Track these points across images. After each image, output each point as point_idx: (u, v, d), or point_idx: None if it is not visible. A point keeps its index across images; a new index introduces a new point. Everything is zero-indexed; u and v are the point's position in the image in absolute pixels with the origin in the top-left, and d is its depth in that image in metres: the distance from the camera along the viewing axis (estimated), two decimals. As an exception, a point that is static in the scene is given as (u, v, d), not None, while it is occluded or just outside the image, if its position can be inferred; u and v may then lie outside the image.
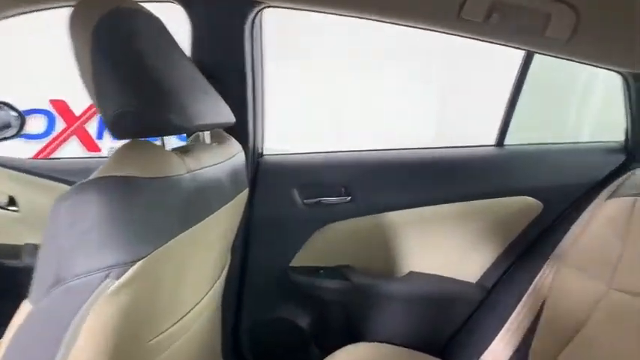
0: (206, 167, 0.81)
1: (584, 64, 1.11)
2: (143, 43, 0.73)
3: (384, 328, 1.31)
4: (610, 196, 1.10)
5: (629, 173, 1.10)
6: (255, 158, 1.28)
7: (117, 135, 0.68)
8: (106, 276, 0.60)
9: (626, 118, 1.20)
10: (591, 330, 0.99)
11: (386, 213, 1.29)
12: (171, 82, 0.74)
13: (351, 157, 1.32)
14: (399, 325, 1.31)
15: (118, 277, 0.60)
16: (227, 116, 0.93)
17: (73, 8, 0.69)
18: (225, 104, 0.94)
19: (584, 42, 1.02)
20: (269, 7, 1.15)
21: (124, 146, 0.70)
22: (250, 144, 1.24)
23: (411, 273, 1.32)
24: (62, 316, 0.61)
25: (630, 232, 1.00)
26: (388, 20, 1.05)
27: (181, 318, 0.83)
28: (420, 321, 1.31)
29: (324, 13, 1.10)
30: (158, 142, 0.81)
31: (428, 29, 1.06)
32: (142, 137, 0.72)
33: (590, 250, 1.08)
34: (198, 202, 0.77)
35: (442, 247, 1.31)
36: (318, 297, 1.31)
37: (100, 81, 0.66)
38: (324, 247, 1.31)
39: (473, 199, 1.27)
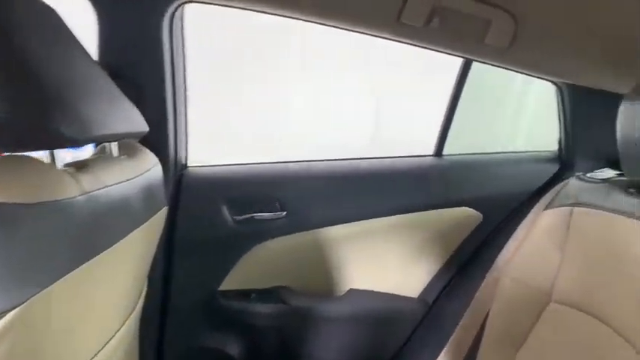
0: (109, 186, 0.67)
1: (522, 73, 1.09)
2: (27, 37, 0.59)
3: (324, 352, 1.22)
4: (547, 207, 1.09)
5: (564, 182, 1.10)
6: (177, 171, 1.13)
7: None
8: None
9: (560, 128, 1.22)
10: (535, 342, 0.97)
11: (324, 228, 1.20)
12: (62, 85, 0.60)
13: (286, 168, 1.22)
14: (339, 347, 1.23)
15: None
16: (138, 125, 0.79)
17: None
18: (137, 111, 0.80)
19: (522, 51, 1.00)
20: (190, 1, 1.01)
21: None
22: (171, 155, 1.10)
23: (351, 290, 1.24)
24: None
25: (568, 242, 0.99)
26: (325, 22, 0.97)
27: None
28: (361, 341, 1.24)
29: (253, 10, 0.99)
30: (45, 158, 0.66)
31: (367, 33, 0.99)
32: (21, 151, 0.58)
33: (531, 261, 1.06)
34: (97, 229, 0.64)
35: (383, 262, 1.25)
36: (250, 323, 1.19)
37: None
38: (257, 267, 1.20)
39: (412, 211, 1.22)
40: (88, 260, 0.61)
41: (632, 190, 0.92)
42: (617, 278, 0.85)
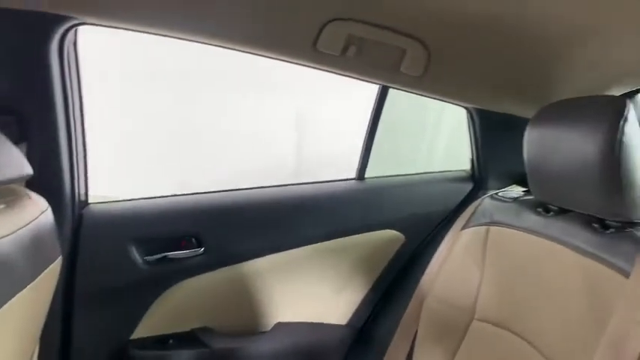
0: None
1: (436, 99, 1.12)
2: None
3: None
4: (465, 226, 1.13)
5: (478, 201, 1.15)
6: (75, 210, 1.00)
7: None
8: None
9: (472, 149, 1.27)
10: None
11: (246, 262, 1.14)
12: None
13: (200, 200, 1.13)
14: (268, 386, 1.16)
15: None
16: (18, 168, 0.68)
17: None
18: (17, 152, 0.68)
19: (435, 79, 1.03)
20: (83, 24, 0.90)
21: None
22: (66, 192, 0.97)
23: (279, 324, 1.19)
24: None
25: (485, 260, 1.03)
26: (239, 49, 0.91)
27: None
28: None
29: (158, 35, 0.91)
30: None
31: (282, 60, 0.95)
32: None
33: (453, 280, 1.08)
34: None
35: (309, 291, 1.21)
36: (169, 372, 1.09)
37: None
38: (174, 310, 1.10)
39: (337, 237, 1.20)
40: None
41: (539, 209, 0.98)
42: (531, 296, 0.89)
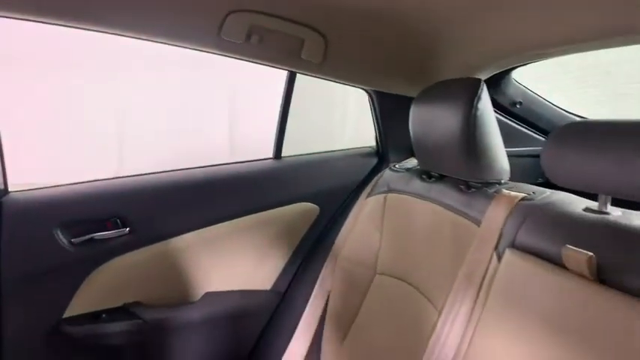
0: None
1: (338, 82, 1.25)
2: None
3: (186, 358, 1.25)
4: (368, 195, 1.27)
5: (381, 173, 1.30)
6: (-5, 200, 1.04)
7: None
8: None
9: (375, 127, 1.41)
10: (366, 312, 1.14)
11: (173, 238, 1.22)
12: None
13: (123, 183, 1.19)
14: (201, 350, 1.26)
15: None
16: None
17: None
18: None
19: (334, 64, 1.15)
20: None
21: None
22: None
23: (207, 294, 1.29)
24: None
25: (384, 222, 1.18)
26: (143, 38, 0.97)
27: None
28: (221, 340, 1.29)
29: (55, 25, 0.94)
30: None
31: (188, 48, 1.03)
32: None
33: (359, 243, 1.23)
34: None
35: (235, 262, 1.31)
36: (103, 344, 1.16)
37: None
38: (104, 288, 1.17)
39: (258, 211, 1.31)
40: None
41: (424, 176, 1.14)
42: (417, 249, 1.05)
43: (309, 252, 1.37)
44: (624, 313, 0.60)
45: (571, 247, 0.67)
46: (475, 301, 0.82)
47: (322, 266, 1.29)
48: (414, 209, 1.10)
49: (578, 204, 0.79)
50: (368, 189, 1.29)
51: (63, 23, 0.91)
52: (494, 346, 0.74)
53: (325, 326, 1.22)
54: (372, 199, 1.25)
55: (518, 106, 1.37)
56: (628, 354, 0.58)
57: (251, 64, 1.12)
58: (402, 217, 1.13)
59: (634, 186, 0.64)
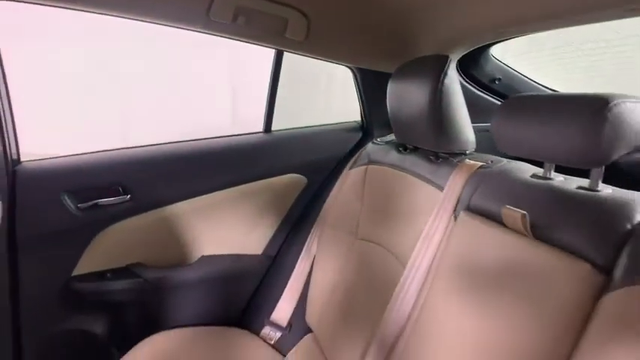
0: None
1: (322, 60, 1.32)
2: None
3: (183, 314, 1.37)
4: (351, 167, 1.36)
5: (364, 147, 1.38)
6: (9, 167, 1.15)
7: None
8: None
9: (359, 102, 1.49)
10: (346, 274, 1.24)
11: (170, 205, 1.33)
12: None
13: (124, 154, 1.29)
14: (196, 308, 1.39)
15: None
16: None
17: None
18: None
19: (317, 43, 1.22)
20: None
21: None
22: (-1, 153, 1.11)
23: (202, 257, 1.40)
24: None
25: (364, 192, 1.27)
26: (134, 18, 1.06)
27: None
28: (216, 299, 1.41)
29: (52, 6, 1.02)
30: None
31: (179, 28, 1.11)
32: None
33: (342, 211, 1.33)
34: None
35: (228, 228, 1.42)
36: (108, 300, 1.29)
37: None
38: (109, 249, 1.28)
39: (250, 181, 1.41)
40: None
41: (400, 148, 1.22)
42: (392, 216, 1.15)
43: (298, 220, 1.47)
44: (553, 265, 0.68)
45: (509, 206, 0.76)
46: (433, 259, 0.91)
47: (309, 233, 1.40)
48: (390, 179, 1.19)
49: (527, 171, 0.87)
50: (352, 161, 1.38)
51: (55, 4, 0.99)
52: (448, 293, 0.84)
53: (310, 287, 1.33)
54: (354, 170, 1.34)
55: (497, 82, 1.43)
56: (557, 300, 0.66)
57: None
58: (380, 187, 1.22)
59: (572, 153, 0.71)
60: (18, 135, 1.20)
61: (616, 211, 0.66)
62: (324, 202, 1.40)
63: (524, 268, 0.72)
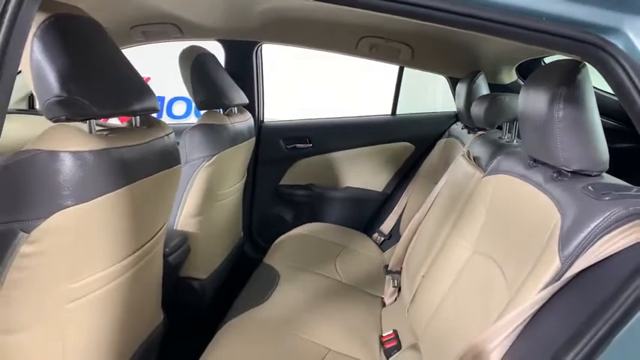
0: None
1: (427, 71, 2.13)
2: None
3: (330, 216, 2.36)
4: (442, 137, 2.13)
5: (456, 126, 2.11)
6: (258, 125, 2.32)
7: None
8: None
9: (454, 100, 2.21)
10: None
11: (332, 153, 2.33)
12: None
13: (315, 121, 2.36)
14: (339, 215, 2.35)
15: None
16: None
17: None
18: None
19: (420, 61, 2.04)
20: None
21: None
22: (255, 116, 2.27)
23: (347, 187, 2.37)
24: None
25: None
26: (313, 47, 2.08)
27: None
28: (352, 213, 2.35)
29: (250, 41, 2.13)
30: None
31: (336, 53, 2.09)
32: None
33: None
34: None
35: (361, 173, 2.35)
36: (294, 200, 2.37)
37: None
38: (299, 173, 2.35)
39: (379, 144, 2.31)
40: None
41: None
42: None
43: (407, 173, 2.31)
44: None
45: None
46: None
47: (410, 181, 2.23)
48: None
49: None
50: (445, 136, 2.16)
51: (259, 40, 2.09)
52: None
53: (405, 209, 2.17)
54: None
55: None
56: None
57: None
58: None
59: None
60: (263, 108, 2.37)
61: None
62: (423, 162, 2.21)
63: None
